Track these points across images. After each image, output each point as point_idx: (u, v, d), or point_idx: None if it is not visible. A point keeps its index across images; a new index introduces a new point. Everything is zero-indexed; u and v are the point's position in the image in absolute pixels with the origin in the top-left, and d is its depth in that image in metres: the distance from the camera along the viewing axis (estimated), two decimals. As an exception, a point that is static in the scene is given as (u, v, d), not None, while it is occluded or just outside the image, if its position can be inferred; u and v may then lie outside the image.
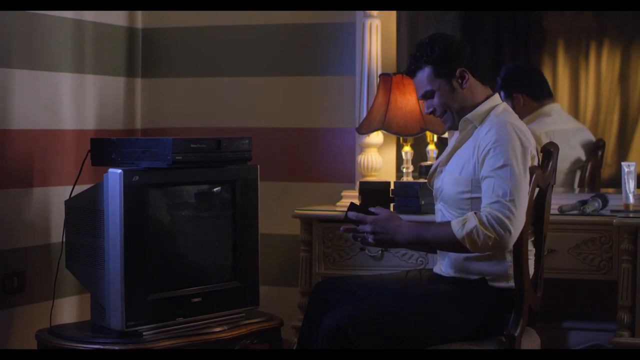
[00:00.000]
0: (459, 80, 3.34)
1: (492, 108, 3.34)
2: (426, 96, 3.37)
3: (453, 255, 3.32)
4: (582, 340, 4.34)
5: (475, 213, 3.14)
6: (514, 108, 4.40)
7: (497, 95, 3.39)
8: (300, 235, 4.24)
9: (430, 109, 3.38)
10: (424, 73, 3.34)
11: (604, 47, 4.52)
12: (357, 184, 4.26)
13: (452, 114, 3.36)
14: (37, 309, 4.28)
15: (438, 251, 3.42)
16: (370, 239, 3.28)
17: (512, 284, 3.25)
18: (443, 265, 3.40)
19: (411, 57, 3.39)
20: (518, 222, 3.12)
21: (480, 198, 3.20)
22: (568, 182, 4.47)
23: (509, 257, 3.24)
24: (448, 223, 3.18)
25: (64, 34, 4.47)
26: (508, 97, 4.53)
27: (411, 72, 3.40)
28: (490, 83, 3.48)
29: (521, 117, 3.42)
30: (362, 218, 3.29)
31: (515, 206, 3.12)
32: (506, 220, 3.09)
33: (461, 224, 3.13)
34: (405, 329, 3.21)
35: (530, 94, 4.57)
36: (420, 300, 3.28)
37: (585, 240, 3.94)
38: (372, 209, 3.31)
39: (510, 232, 3.10)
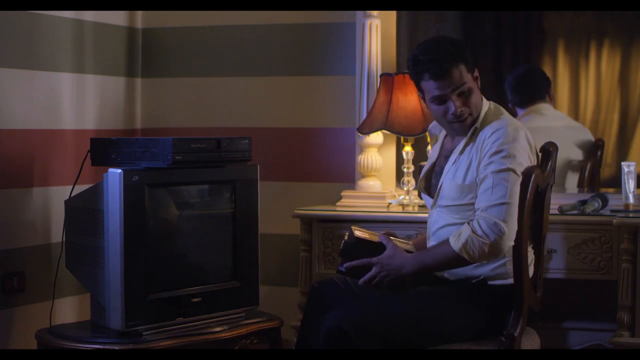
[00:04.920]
0: (477, 81, 3.31)
1: (487, 110, 3.33)
2: (463, 94, 3.26)
3: None
4: (582, 340, 4.34)
5: (468, 223, 3.15)
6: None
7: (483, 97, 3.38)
8: (300, 235, 4.24)
9: (461, 109, 3.26)
10: (458, 70, 3.24)
11: (604, 47, 4.52)
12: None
13: (474, 112, 3.29)
14: (37, 309, 4.28)
15: None
16: (380, 279, 3.25)
17: (509, 281, 3.25)
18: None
19: (436, 59, 3.24)
20: (513, 224, 3.14)
21: None
22: (561, 181, 4.46)
23: (506, 257, 3.25)
24: (445, 241, 3.19)
25: (64, 34, 4.47)
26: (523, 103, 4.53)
27: (444, 72, 3.23)
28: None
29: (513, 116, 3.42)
30: (366, 263, 3.26)
31: (512, 209, 3.13)
32: (502, 223, 3.11)
33: (456, 237, 3.15)
34: (407, 329, 3.20)
35: (522, 94, 4.58)
36: (423, 300, 3.27)
37: (585, 240, 3.94)
38: (381, 238, 3.30)
39: (505, 234, 3.11)
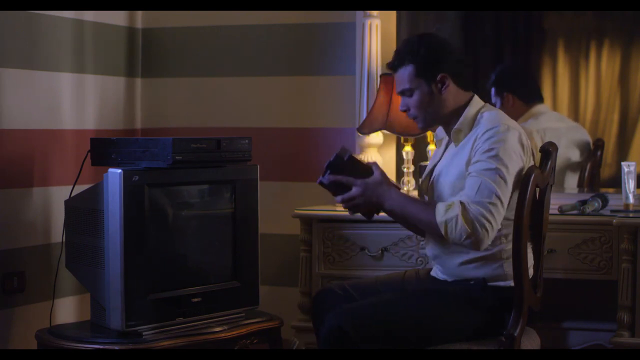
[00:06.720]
0: (439, 85, 3.29)
1: (478, 112, 3.31)
2: (404, 93, 3.34)
3: (448, 263, 3.32)
4: (582, 340, 4.33)
5: (461, 202, 3.12)
6: (502, 107, 4.42)
7: (477, 98, 3.36)
8: (300, 235, 4.24)
9: (405, 108, 3.36)
10: (406, 70, 3.30)
11: (604, 47, 4.53)
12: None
13: (425, 116, 3.33)
14: (37, 309, 4.28)
15: (431, 258, 3.41)
16: (358, 201, 3.24)
17: (510, 282, 3.25)
18: (439, 270, 3.39)
19: (396, 51, 3.35)
20: (495, 227, 3.13)
21: None
22: (561, 181, 4.46)
23: (504, 259, 3.25)
24: (434, 205, 3.17)
25: (64, 34, 4.47)
26: (498, 95, 4.53)
27: (393, 67, 3.35)
28: (475, 90, 3.40)
29: (510, 117, 3.41)
30: (351, 182, 3.25)
31: (497, 211, 3.13)
32: (485, 221, 3.10)
33: (444, 209, 3.13)
34: (407, 329, 3.20)
35: (520, 95, 4.57)
36: (423, 299, 3.27)
37: (585, 240, 3.94)
38: (369, 163, 3.28)
39: (487, 233, 3.11)
